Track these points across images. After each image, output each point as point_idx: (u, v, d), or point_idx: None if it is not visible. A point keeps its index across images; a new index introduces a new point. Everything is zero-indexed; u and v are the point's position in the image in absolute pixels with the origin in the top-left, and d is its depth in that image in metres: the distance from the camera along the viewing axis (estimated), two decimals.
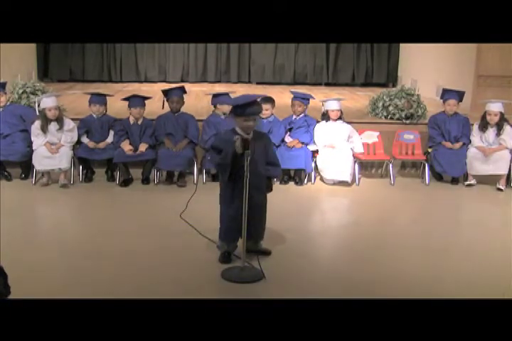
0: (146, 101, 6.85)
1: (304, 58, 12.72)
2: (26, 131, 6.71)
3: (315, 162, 6.85)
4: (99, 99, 6.85)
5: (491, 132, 6.80)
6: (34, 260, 4.33)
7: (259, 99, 4.54)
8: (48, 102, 6.47)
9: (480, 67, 8.56)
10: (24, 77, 9.15)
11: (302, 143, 6.89)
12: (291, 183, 6.81)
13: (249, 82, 12.80)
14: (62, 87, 10.66)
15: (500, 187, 6.69)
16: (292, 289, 3.95)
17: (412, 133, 7.20)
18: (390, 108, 7.57)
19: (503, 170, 6.71)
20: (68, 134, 6.55)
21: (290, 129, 7.04)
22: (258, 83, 12.71)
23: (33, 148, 6.50)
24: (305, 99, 7.08)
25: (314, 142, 6.92)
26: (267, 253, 4.48)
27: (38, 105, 6.70)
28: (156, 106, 7.19)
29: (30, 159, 6.52)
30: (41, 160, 6.42)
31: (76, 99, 8.87)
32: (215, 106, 6.92)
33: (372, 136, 7.12)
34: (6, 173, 6.74)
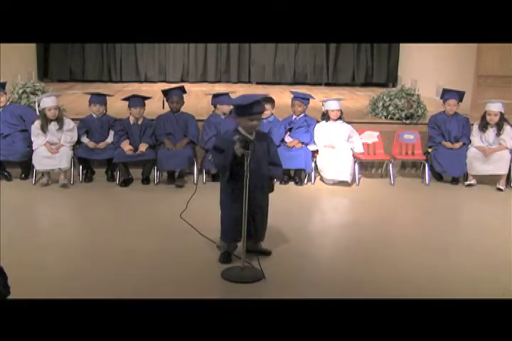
0: (146, 101, 6.85)
1: (303, 58, 12.71)
2: (26, 131, 6.72)
3: (315, 162, 6.85)
4: (99, 99, 6.85)
5: (491, 132, 6.80)
6: (34, 260, 4.33)
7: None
8: (47, 102, 6.47)
9: (480, 67, 8.56)
10: (24, 77, 9.14)
11: (302, 143, 6.89)
12: (291, 183, 6.82)
13: (249, 82, 12.79)
14: (62, 87, 10.66)
15: (500, 187, 6.69)
16: (292, 289, 3.95)
17: (412, 133, 7.20)
18: (390, 108, 7.57)
19: (503, 170, 6.71)
20: (68, 134, 6.55)
21: (290, 129, 7.04)
22: (258, 83, 12.71)
23: (33, 148, 6.50)
24: (305, 99, 7.08)
25: (314, 142, 6.92)
26: (267, 253, 4.48)
27: (38, 105, 6.71)
28: (156, 106, 7.19)
29: (30, 159, 6.52)
30: (41, 160, 6.42)
31: (76, 99, 8.88)
32: (215, 107, 6.92)
33: (372, 136, 7.12)
34: (6, 173, 6.74)
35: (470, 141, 6.90)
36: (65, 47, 12.14)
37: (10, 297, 2.42)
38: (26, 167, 6.72)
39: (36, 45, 11.83)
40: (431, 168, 6.97)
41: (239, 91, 8.97)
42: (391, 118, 7.61)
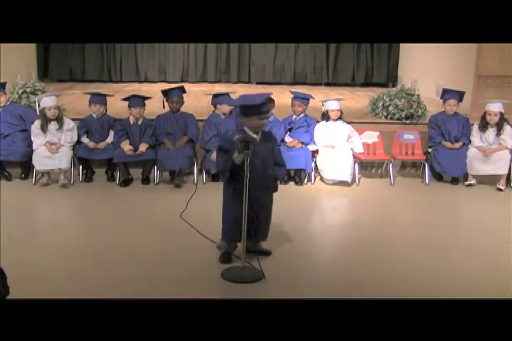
0: (146, 101, 6.85)
1: (303, 58, 12.71)
2: (26, 131, 6.72)
3: (315, 162, 6.85)
4: (99, 99, 6.85)
5: (491, 132, 6.80)
6: (34, 260, 4.33)
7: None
8: (47, 101, 6.47)
9: (480, 67, 8.56)
10: (24, 77, 9.15)
11: (302, 143, 6.89)
12: (291, 183, 6.81)
13: (249, 82, 12.79)
14: (62, 87, 10.66)
15: (500, 187, 6.69)
16: (292, 289, 3.95)
17: (412, 133, 7.20)
18: (390, 108, 7.57)
19: (503, 170, 6.71)
20: (68, 134, 6.55)
21: (290, 129, 7.04)
22: (258, 83, 12.71)
23: (33, 148, 6.50)
24: (305, 99, 7.08)
25: (314, 142, 6.92)
26: (267, 253, 4.48)
27: (38, 105, 6.71)
28: (156, 106, 7.19)
29: (30, 159, 6.52)
30: (41, 160, 6.42)
31: (76, 99, 8.88)
32: (215, 107, 6.92)
33: (372, 136, 7.12)
34: (6, 173, 6.74)
35: (470, 141, 6.90)
36: (65, 47, 12.14)
37: (10, 297, 2.42)
38: (26, 167, 6.72)
39: (36, 45, 11.84)
40: (431, 168, 6.97)
41: (239, 91, 8.96)
42: (391, 118, 7.61)
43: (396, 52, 12.51)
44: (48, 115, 6.45)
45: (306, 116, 7.08)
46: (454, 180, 6.96)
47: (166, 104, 6.81)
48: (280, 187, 6.40)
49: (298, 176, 6.84)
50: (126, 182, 6.60)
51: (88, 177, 6.74)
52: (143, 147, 6.58)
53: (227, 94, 6.95)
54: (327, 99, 7.46)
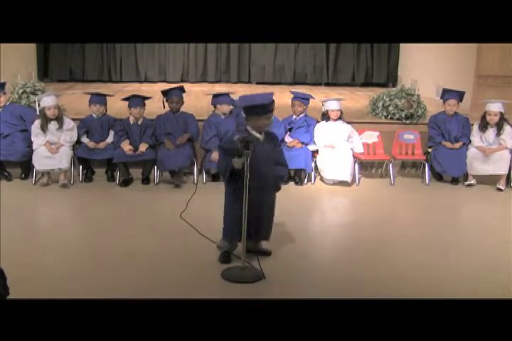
0: (146, 101, 6.85)
1: (304, 58, 12.71)
2: (26, 131, 6.72)
3: (315, 162, 6.85)
4: (99, 99, 6.86)
5: (491, 132, 6.80)
6: (34, 260, 4.33)
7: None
8: (47, 101, 6.48)
9: (480, 67, 8.56)
10: (24, 77, 9.14)
11: (302, 143, 6.89)
12: (291, 183, 6.81)
13: (249, 82, 12.79)
14: (62, 87, 10.65)
15: (500, 187, 6.69)
16: (292, 289, 3.95)
17: (412, 133, 7.20)
18: (390, 108, 7.57)
19: (503, 170, 6.71)
20: (68, 133, 6.55)
21: (290, 129, 7.04)
22: (258, 83, 12.71)
23: (33, 148, 6.50)
24: (305, 99, 7.08)
25: (314, 142, 6.92)
26: (267, 253, 4.48)
27: (38, 104, 6.71)
28: (156, 106, 7.19)
29: (30, 159, 6.52)
30: (41, 160, 6.42)
31: (76, 99, 8.87)
32: (214, 107, 6.92)
33: (372, 136, 7.12)
34: (6, 173, 6.74)
35: (470, 141, 6.90)
36: (65, 47, 12.14)
37: (10, 297, 2.42)
38: (26, 167, 6.72)
39: (36, 45, 11.83)
40: (431, 168, 6.97)
41: (239, 91, 8.97)
42: (391, 118, 7.61)
43: (396, 52, 12.51)
44: (48, 115, 6.45)
45: (306, 116, 7.08)
46: (454, 180, 6.96)
47: (165, 104, 6.81)
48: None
49: (298, 176, 6.84)
50: (126, 182, 6.60)
51: (88, 177, 6.74)
52: (143, 147, 6.58)
53: (227, 94, 6.95)
54: (327, 99, 7.46)
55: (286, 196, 6.21)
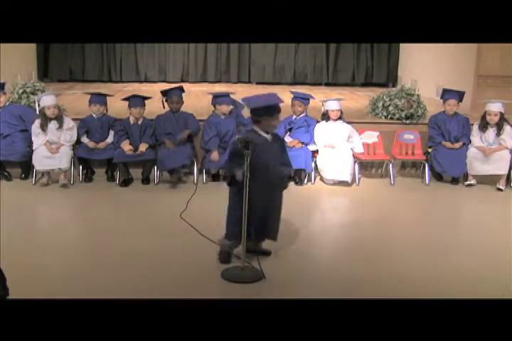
0: (146, 101, 6.85)
1: (304, 58, 12.71)
2: (26, 131, 6.72)
3: (315, 162, 6.85)
4: (99, 99, 6.86)
5: (491, 132, 6.80)
6: (34, 260, 4.33)
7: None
8: (47, 100, 6.48)
9: (480, 67, 8.56)
10: (24, 77, 9.14)
11: (302, 143, 6.89)
12: (291, 183, 6.80)
13: (249, 82, 12.79)
14: (62, 87, 10.65)
15: (500, 187, 6.69)
16: (292, 289, 3.95)
17: (412, 133, 7.20)
18: (390, 108, 7.57)
19: (503, 170, 6.71)
20: (68, 133, 6.55)
21: (290, 129, 7.04)
22: (258, 83, 12.70)
23: (33, 148, 6.50)
24: (305, 99, 7.08)
25: (314, 142, 6.92)
26: (267, 253, 4.48)
27: (38, 104, 6.71)
28: (156, 106, 7.19)
29: (30, 159, 6.52)
30: (41, 160, 6.42)
31: (76, 99, 8.87)
32: (214, 107, 6.92)
33: (372, 136, 7.12)
34: (6, 173, 6.74)
35: (470, 141, 6.90)
36: (65, 47, 12.14)
37: (10, 297, 2.42)
38: (26, 167, 6.72)
39: (36, 45, 11.83)
40: (431, 168, 6.97)
41: (239, 91, 8.98)
42: (391, 118, 7.61)
43: (396, 52, 12.51)
44: (48, 114, 6.45)
45: (306, 116, 7.08)
46: (454, 180, 6.96)
47: (165, 104, 6.81)
48: None
49: (298, 176, 6.84)
50: (126, 182, 6.60)
51: (88, 177, 6.74)
52: (143, 147, 6.58)
53: (227, 95, 6.95)
54: (327, 99, 7.46)
55: (286, 196, 6.18)
